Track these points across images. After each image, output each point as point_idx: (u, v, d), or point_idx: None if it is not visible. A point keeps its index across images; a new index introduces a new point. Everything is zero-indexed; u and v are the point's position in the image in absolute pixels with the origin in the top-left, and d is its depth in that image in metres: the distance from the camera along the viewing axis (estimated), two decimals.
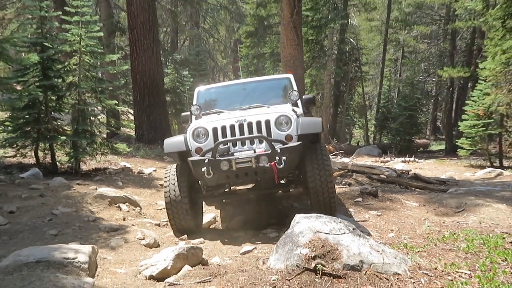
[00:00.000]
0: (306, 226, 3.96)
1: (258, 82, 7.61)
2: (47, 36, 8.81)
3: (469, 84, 24.24)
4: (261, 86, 7.39)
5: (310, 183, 5.40)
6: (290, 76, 7.32)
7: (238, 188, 6.80)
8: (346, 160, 16.21)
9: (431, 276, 3.66)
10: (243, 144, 5.41)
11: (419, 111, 26.55)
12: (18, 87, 8.95)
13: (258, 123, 5.39)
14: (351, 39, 27.66)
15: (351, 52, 27.85)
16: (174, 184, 5.72)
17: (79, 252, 4.19)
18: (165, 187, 5.78)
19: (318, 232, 3.86)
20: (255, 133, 5.36)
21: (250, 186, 6.91)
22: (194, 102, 7.05)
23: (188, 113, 6.77)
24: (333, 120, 27.56)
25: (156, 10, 15.70)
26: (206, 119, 5.89)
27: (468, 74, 20.86)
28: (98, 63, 9.93)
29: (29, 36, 9.03)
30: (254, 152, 5.26)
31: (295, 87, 6.89)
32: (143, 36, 14.30)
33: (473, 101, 16.48)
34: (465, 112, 16.97)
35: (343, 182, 9.47)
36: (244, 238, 5.69)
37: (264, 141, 5.29)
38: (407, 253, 4.28)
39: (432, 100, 35.19)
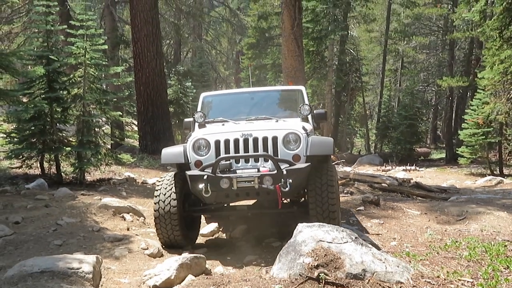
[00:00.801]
0: (309, 235, 3.95)
1: (268, 92, 7.26)
2: (52, 49, 8.93)
3: (468, 93, 24.34)
4: (270, 96, 7.01)
5: (310, 197, 5.06)
6: (302, 88, 6.86)
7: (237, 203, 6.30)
8: (347, 169, 16.23)
9: (433, 284, 3.67)
10: (246, 161, 5.08)
11: (419, 120, 26.62)
12: (24, 99, 9.05)
13: (265, 140, 5.05)
14: (351, 50, 27.84)
15: (351, 63, 28.02)
16: (165, 195, 5.38)
17: (83, 262, 4.20)
18: (156, 196, 5.45)
19: (321, 241, 3.85)
20: (260, 150, 5.02)
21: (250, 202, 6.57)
22: (199, 108, 6.67)
23: (191, 119, 6.40)
24: (334, 129, 27.61)
25: (159, 23, 15.86)
26: (209, 129, 5.57)
27: (467, 83, 20.99)
28: (103, 75, 10.07)
29: (35, 49, 9.16)
30: (258, 171, 4.91)
31: (306, 101, 6.49)
32: (147, 48, 14.45)
33: (472, 110, 16.58)
34: (465, 121, 17.07)
35: (345, 191, 9.51)
36: (247, 247, 5.68)
37: (269, 160, 4.95)
38: (410, 262, 4.30)
39: (432, 109, 35.27)
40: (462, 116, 19.17)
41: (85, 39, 9.03)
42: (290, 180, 4.71)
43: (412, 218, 7.07)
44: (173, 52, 29.15)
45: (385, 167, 18.95)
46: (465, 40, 24.87)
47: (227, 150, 5.10)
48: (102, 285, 4.26)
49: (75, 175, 9.35)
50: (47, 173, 9.31)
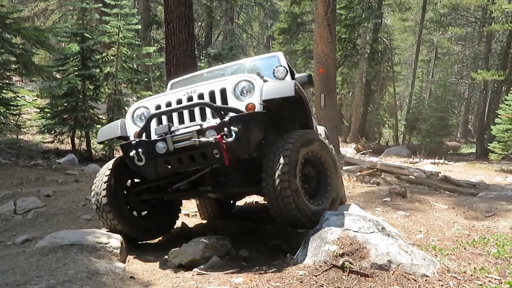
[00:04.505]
0: (335, 223, 3.95)
1: (240, 64, 6.23)
2: (87, 27, 9.10)
3: (503, 87, 23.67)
4: (243, 68, 6.04)
5: (262, 185, 4.15)
6: (279, 54, 5.91)
7: None
8: (374, 159, 16.08)
9: (459, 279, 3.61)
10: (191, 119, 4.15)
11: (450, 113, 26.15)
12: (58, 76, 9.24)
13: (212, 94, 4.14)
14: (384, 39, 27.28)
15: (383, 52, 27.48)
16: (101, 180, 4.60)
17: (111, 237, 4.31)
18: (94, 183, 4.70)
19: (347, 229, 3.85)
20: None
21: None
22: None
23: None
24: (362, 119, 27.33)
25: (192, 4, 15.78)
26: (150, 97, 4.73)
27: (503, 77, 20.43)
28: (135, 55, 10.16)
29: (70, 26, 9.30)
30: (201, 127, 4.00)
31: (283, 64, 5.46)
32: (179, 30, 14.40)
33: (507, 105, 16.25)
34: (498, 116, 16.73)
35: (371, 181, 9.43)
36: (272, 231, 5.71)
37: (217, 115, 4.00)
38: (436, 255, 4.24)
39: (464, 103, 34.52)
40: (496, 111, 18.74)
41: (119, 18, 9.13)
42: (236, 129, 3.83)
43: (439, 212, 6.96)
44: (205, 35, 29.14)
45: (413, 159, 18.70)
46: (503, 33, 24.09)
47: None
48: (128, 261, 4.34)
49: (104, 152, 9.53)
50: (78, 149, 9.52)
